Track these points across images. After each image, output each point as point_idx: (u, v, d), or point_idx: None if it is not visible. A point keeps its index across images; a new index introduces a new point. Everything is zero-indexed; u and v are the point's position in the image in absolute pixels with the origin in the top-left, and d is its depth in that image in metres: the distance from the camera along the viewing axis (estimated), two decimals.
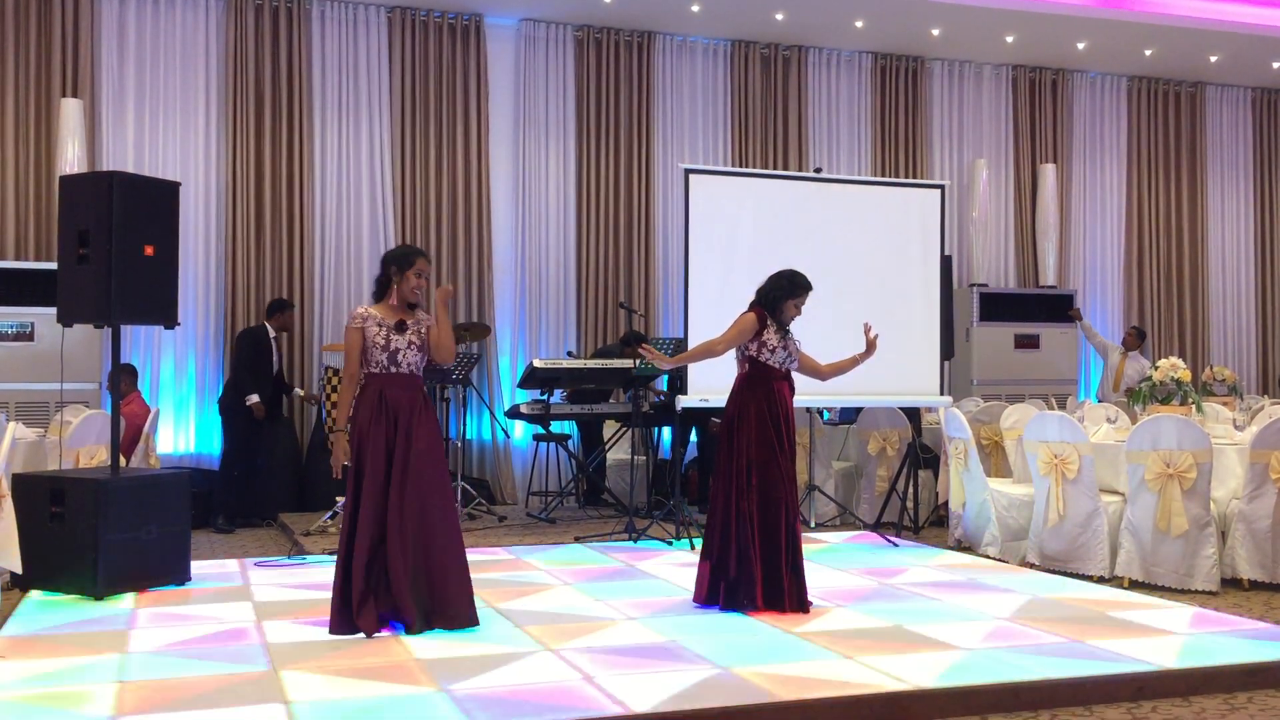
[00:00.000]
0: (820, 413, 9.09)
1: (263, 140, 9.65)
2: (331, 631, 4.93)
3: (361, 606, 4.91)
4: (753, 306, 5.58)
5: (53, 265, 7.47)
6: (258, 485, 8.74)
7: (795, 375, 5.68)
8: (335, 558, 5.08)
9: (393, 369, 5.07)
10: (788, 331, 5.59)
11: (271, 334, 8.74)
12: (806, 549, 7.29)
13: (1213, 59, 11.59)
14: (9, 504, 5.32)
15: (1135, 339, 11.05)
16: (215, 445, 9.56)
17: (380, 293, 5.19)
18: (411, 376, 5.11)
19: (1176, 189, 12.34)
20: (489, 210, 10.24)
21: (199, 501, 8.01)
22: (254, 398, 8.42)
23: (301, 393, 9.13)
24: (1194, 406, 6.95)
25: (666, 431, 9.96)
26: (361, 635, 4.88)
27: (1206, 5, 10.65)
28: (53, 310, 6.24)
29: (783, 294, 5.54)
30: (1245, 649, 4.70)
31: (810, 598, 5.46)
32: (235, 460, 8.53)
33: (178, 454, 9.32)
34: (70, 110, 8.98)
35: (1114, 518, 6.52)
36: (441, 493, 5.09)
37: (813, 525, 8.45)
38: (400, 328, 5.07)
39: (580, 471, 9.32)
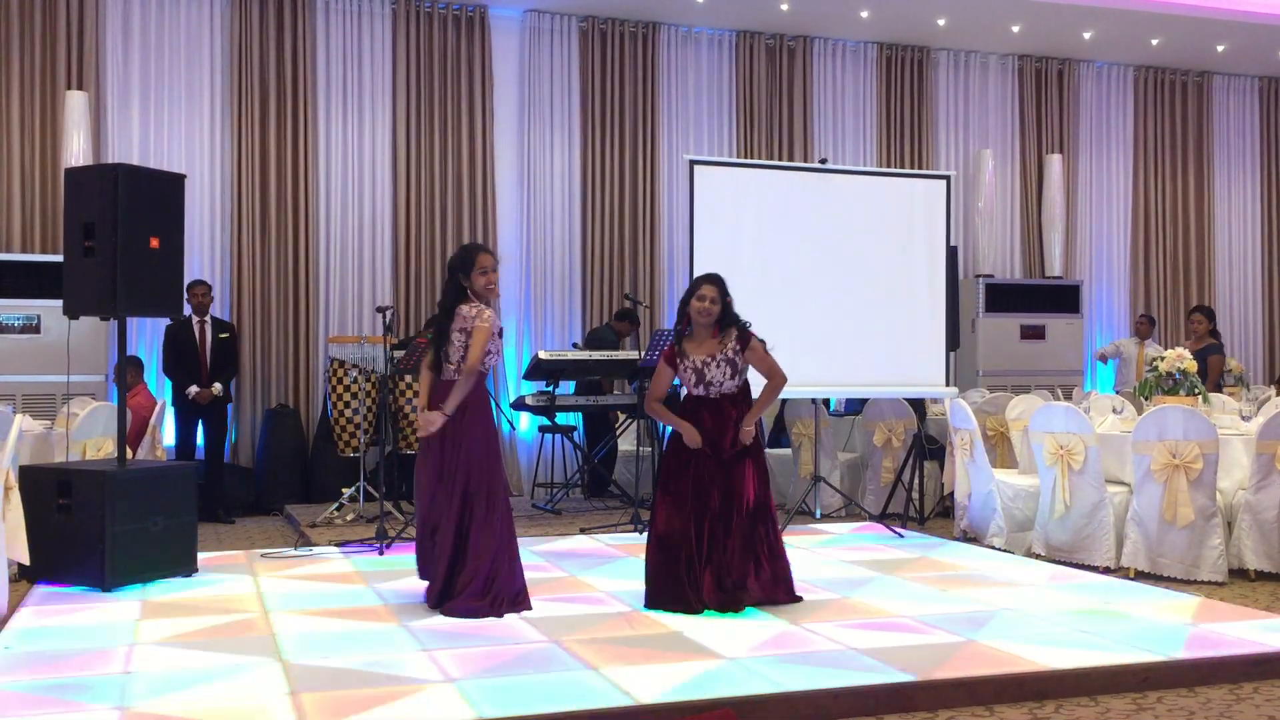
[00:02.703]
0: (826, 403, 9.09)
1: (267, 132, 9.66)
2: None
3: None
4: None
5: (58, 258, 7.47)
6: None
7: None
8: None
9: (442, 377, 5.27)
10: (720, 355, 5.20)
11: (195, 320, 8.51)
12: (813, 538, 7.34)
13: (1220, 48, 11.55)
14: (16, 496, 5.34)
15: (1148, 326, 11.09)
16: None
17: (455, 300, 5.18)
18: (450, 383, 5.20)
19: (1183, 179, 12.31)
20: (494, 202, 10.24)
21: (204, 493, 8.02)
22: (192, 389, 8.36)
23: (216, 390, 8.49)
24: (1200, 397, 6.94)
25: None
26: (369, 626, 4.91)
27: None
28: (59, 303, 6.25)
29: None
30: (1251, 640, 4.69)
31: (798, 592, 5.42)
32: (186, 454, 8.48)
33: None
34: (75, 103, 8.99)
35: (1120, 508, 6.52)
36: (454, 492, 5.17)
37: (818, 516, 8.46)
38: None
39: (585, 463, 9.32)
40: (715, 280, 5.25)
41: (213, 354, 8.54)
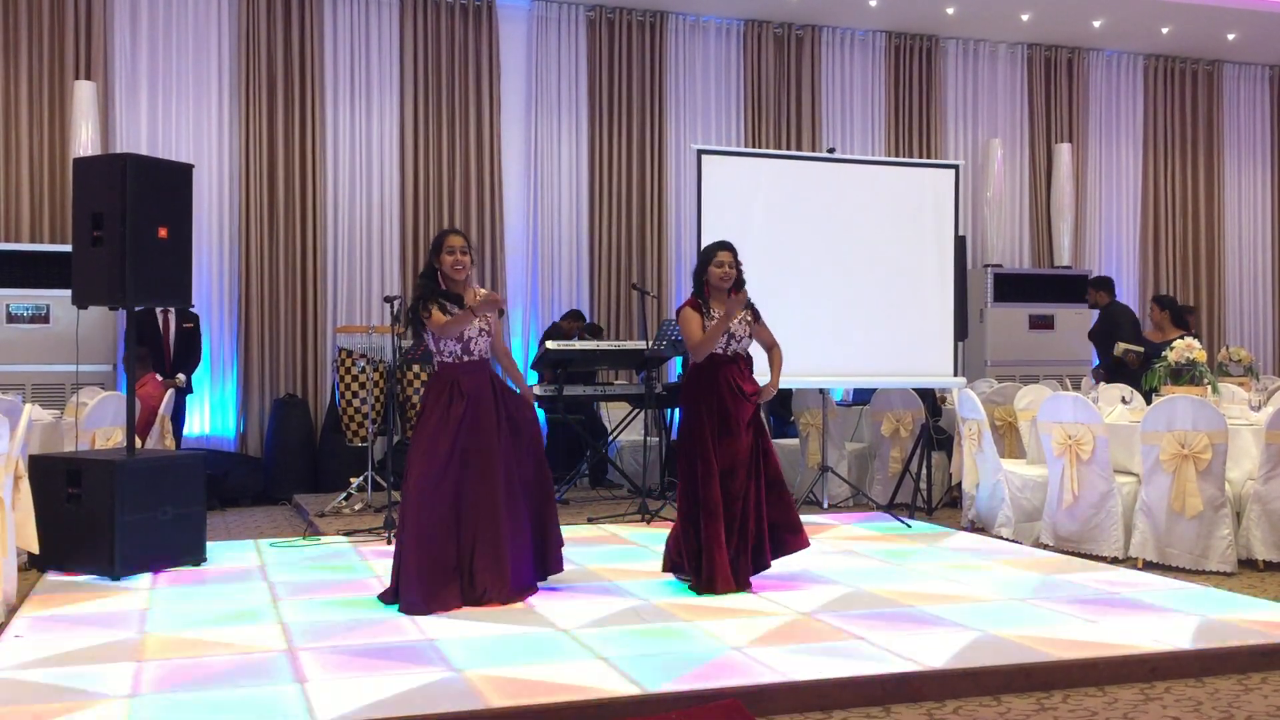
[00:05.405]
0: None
1: (275, 122, 9.66)
2: (382, 599, 5.15)
3: (434, 585, 4.99)
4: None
5: (67, 247, 7.48)
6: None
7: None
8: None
9: (465, 358, 5.17)
10: (740, 320, 5.51)
11: (159, 310, 8.39)
12: (822, 532, 7.34)
13: (1230, 37, 11.49)
14: (26, 485, 5.36)
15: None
16: (229, 427, 9.62)
17: (425, 279, 5.24)
18: (482, 361, 5.22)
19: (1193, 168, 12.26)
20: (501, 192, 10.24)
21: (213, 483, 8.05)
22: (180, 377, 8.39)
23: (180, 381, 8.43)
24: (1209, 387, 6.92)
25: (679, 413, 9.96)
26: (377, 615, 4.92)
27: None
28: (68, 292, 6.27)
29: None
30: (1259, 630, 4.69)
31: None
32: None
33: (192, 435, 9.34)
34: (84, 93, 9.00)
35: (1128, 499, 6.51)
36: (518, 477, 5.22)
37: (825, 506, 8.46)
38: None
39: (593, 454, 9.32)
40: (730, 246, 5.59)
41: (176, 344, 8.47)
